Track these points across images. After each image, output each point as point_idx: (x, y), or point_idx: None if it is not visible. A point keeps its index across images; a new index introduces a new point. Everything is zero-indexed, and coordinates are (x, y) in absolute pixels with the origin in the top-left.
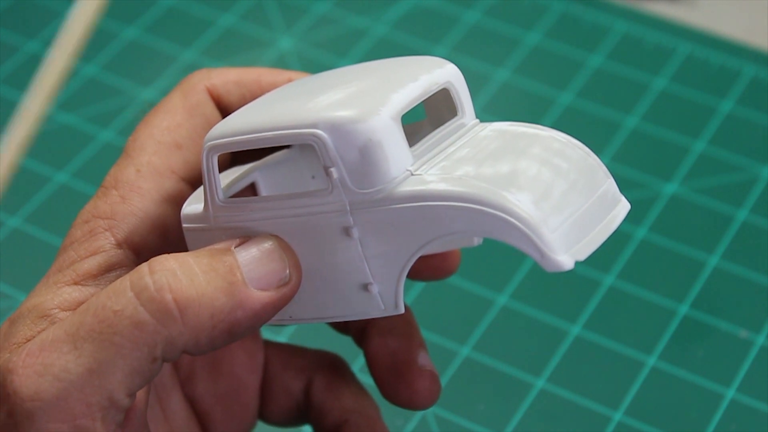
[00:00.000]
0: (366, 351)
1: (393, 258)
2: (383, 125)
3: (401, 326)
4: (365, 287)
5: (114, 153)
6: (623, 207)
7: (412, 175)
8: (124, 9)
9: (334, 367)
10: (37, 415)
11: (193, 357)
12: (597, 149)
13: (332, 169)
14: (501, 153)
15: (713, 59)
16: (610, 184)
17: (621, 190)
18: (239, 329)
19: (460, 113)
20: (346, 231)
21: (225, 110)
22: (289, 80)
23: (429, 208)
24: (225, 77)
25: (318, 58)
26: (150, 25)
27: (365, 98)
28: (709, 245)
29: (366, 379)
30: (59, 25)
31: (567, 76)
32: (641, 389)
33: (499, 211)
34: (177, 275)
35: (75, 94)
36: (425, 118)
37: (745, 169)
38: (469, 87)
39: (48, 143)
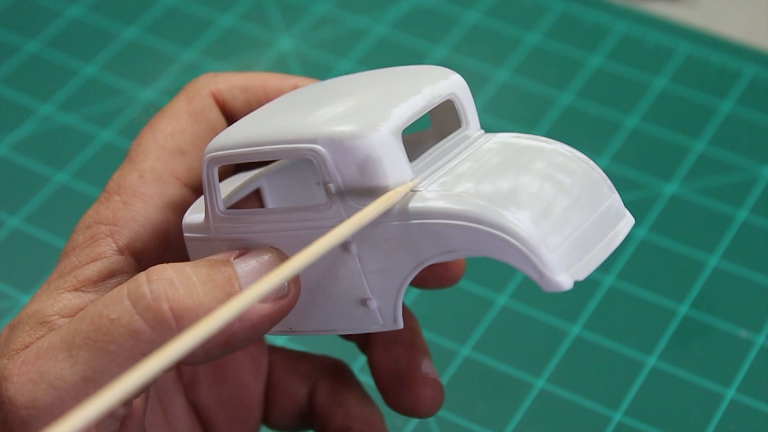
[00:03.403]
0: (370, 359)
1: (391, 274)
2: (383, 141)
3: (405, 334)
4: (364, 302)
5: (114, 153)
6: (627, 222)
7: (412, 191)
8: (124, 9)
9: (339, 373)
10: (31, 423)
11: None
12: (597, 149)
13: (331, 185)
14: (503, 168)
15: (713, 59)
16: (615, 199)
17: (621, 191)
18: (236, 341)
19: (464, 125)
20: (345, 246)
21: (230, 116)
22: (295, 86)
23: (427, 226)
24: (230, 82)
25: (318, 59)
26: (150, 25)
27: (366, 112)
28: (709, 245)
29: (366, 380)
30: (59, 25)
31: (567, 76)
32: (641, 389)
33: (497, 230)
34: (174, 284)
35: (75, 94)
36: (430, 127)
37: (745, 169)
38: (469, 87)
39: (48, 143)
